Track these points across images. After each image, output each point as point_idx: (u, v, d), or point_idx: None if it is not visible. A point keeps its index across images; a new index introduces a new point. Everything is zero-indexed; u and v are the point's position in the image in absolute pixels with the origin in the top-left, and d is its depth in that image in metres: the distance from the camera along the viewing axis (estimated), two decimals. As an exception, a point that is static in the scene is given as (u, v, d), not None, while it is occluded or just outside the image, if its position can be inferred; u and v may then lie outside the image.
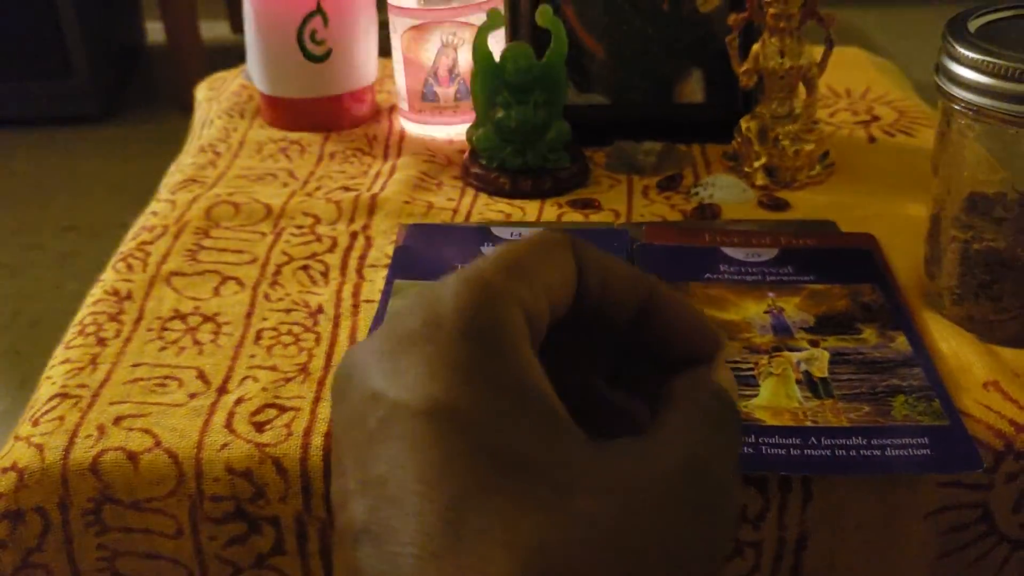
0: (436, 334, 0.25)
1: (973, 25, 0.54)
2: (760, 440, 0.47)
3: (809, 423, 0.48)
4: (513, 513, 0.23)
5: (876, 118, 0.82)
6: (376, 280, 0.62)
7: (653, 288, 0.31)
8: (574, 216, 0.69)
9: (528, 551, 0.23)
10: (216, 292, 0.61)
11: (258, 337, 0.57)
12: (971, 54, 0.50)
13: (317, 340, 0.56)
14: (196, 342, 0.57)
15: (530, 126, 0.70)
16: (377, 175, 0.75)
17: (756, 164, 0.72)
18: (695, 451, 0.27)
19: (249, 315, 0.59)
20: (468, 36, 0.78)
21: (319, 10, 0.79)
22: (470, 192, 0.73)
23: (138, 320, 0.59)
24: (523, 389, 0.25)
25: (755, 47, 0.70)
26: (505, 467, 0.24)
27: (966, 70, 0.51)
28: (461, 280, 0.27)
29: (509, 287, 0.27)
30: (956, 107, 0.52)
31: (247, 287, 0.61)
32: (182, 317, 0.59)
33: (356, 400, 0.26)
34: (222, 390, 0.53)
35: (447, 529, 0.23)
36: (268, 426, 0.50)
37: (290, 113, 0.83)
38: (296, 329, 0.57)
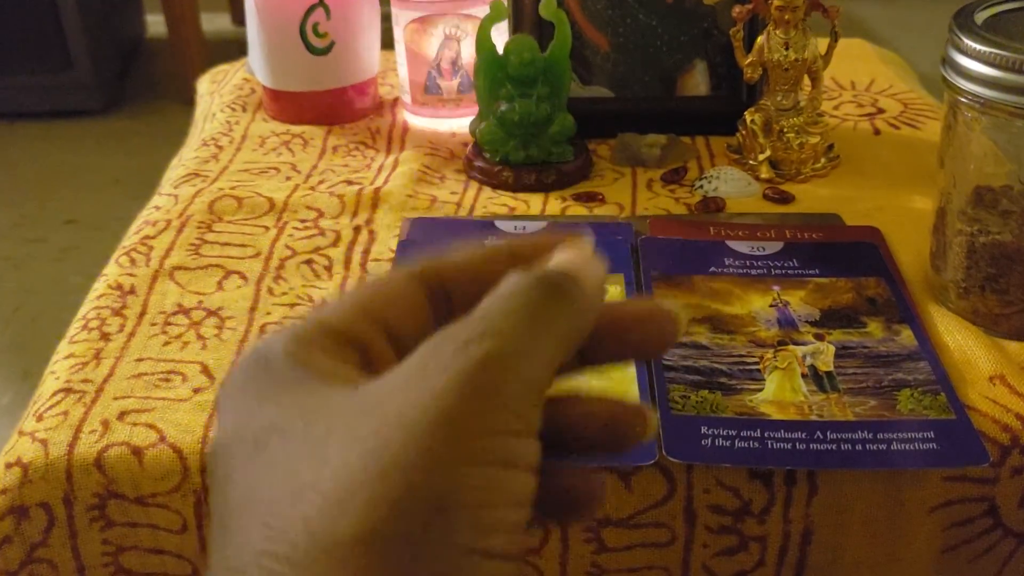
0: None
1: (980, 17, 0.53)
2: (765, 434, 0.47)
3: (815, 417, 0.48)
4: None
5: (881, 110, 0.82)
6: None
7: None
8: (578, 210, 0.69)
9: None
10: (219, 286, 0.61)
11: (262, 331, 0.57)
12: (978, 46, 0.50)
13: (321, 334, 0.56)
14: (200, 337, 0.56)
15: (533, 119, 0.70)
16: (380, 168, 0.75)
17: (761, 157, 0.71)
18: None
19: (253, 309, 0.59)
20: (471, 28, 0.77)
21: (321, 3, 0.79)
22: (474, 186, 0.73)
23: (141, 315, 0.58)
24: None
25: (759, 40, 0.70)
26: None
27: (973, 62, 0.51)
28: None
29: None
30: (962, 100, 0.52)
31: (250, 281, 0.61)
32: (185, 312, 0.59)
33: None
34: (226, 385, 0.52)
35: None
36: (272, 421, 0.50)
37: (293, 106, 0.83)
38: (300, 323, 0.57)
